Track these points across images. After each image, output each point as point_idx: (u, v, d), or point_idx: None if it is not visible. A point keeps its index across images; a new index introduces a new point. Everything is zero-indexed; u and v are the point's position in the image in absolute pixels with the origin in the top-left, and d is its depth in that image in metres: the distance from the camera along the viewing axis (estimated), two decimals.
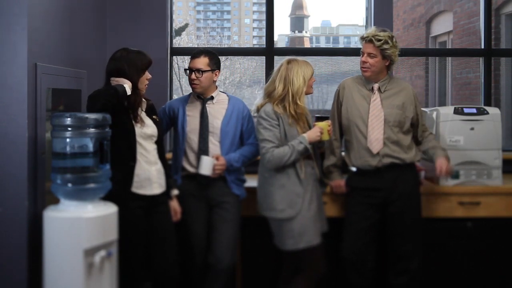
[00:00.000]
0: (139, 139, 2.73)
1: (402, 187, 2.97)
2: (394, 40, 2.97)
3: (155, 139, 2.81)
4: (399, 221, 2.98)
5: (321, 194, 2.99)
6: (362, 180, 3.02)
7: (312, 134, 2.83)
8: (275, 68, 2.96)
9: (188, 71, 3.04)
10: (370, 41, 2.95)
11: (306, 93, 2.90)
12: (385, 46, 2.93)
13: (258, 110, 2.93)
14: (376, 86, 3.02)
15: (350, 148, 3.07)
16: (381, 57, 2.96)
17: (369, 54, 2.97)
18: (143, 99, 2.82)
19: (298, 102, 2.84)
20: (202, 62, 3.01)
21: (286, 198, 2.81)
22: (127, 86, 2.64)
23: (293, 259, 2.91)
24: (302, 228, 2.79)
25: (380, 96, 3.01)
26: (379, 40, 2.93)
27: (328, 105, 3.59)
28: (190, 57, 3.06)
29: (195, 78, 3.00)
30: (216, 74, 3.07)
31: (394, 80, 3.09)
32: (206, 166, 2.91)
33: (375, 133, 2.96)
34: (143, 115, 2.79)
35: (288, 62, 2.89)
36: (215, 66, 3.06)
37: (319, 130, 2.85)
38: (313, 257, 2.84)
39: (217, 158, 2.95)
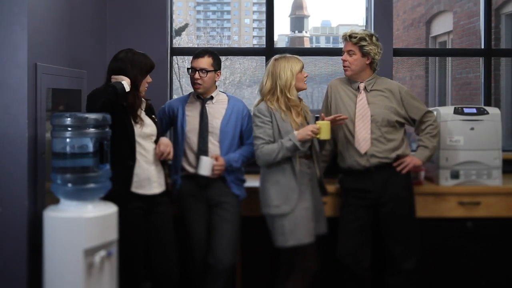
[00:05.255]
0: (138, 139, 2.73)
1: (393, 189, 2.96)
2: (373, 38, 3.00)
3: (154, 138, 2.81)
4: (391, 223, 2.98)
5: (320, 196, 2.98)
6: (352, 181, 3.03)
7: (303, 132, 2.78)
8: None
9: (190, 70, 3.04)
10: (348, 37, 3.00)
11: (299, 88, 2.90)
12: (363, 43, 2.96)
13: None
14: (362, 85, 3.03)
15: (340, 148, 3.07)
16: (360, 55, 2.99)
17: (348, 52, 3.00)
18: (142, 99, 2.82)
19: (288, 95, 2.86)
20: (207, 62, 3.01)
21: (281, 194, 2.82)
22: (125, 82, 2.63)
23: (286, 256, 2.93)
24: (293, 225, 2.79)
25: (366, 95, 3.01)
26: (355, 37, 2.97)
27: None
28: (192, 56, 3.06)
29: (199, 77, 2.99)
30: (218, 75, 3.07)
31: (382, 80, 3.08)
32: (205, 167, 2.91)
33: (362, 132, 2.97)
34: (142, 114, 2.79)
35: (276, 59, 2.92)
36: (218, 66, 3.06)
37: (313, 129, 2.78)
38: (304, 256, 2.85)
39: (216, 159, 2.95)
